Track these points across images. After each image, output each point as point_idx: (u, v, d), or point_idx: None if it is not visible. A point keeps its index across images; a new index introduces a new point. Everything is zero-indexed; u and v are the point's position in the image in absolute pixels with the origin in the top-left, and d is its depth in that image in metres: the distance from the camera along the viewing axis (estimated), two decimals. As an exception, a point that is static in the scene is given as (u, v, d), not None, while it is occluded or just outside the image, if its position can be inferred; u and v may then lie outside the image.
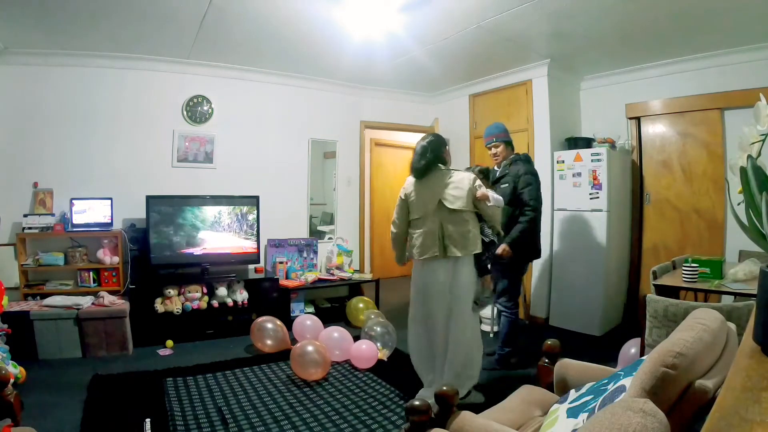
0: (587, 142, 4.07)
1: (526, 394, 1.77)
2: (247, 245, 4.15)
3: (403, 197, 2.64)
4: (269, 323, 3.42)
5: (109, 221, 3.75)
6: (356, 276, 4.62)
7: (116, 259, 3.73)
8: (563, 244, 4.03)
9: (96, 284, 3.69)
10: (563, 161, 3.99)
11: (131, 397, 2.58)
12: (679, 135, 3.89)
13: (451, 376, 2.48)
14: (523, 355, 3.14)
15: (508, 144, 3.17)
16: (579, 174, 3.88)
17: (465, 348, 2.51)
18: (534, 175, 3.04)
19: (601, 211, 3.75)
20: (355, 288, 4.63)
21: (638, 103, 4.08)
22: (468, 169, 2.82)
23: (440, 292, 2.50)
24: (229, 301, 3.83)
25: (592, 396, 1.25)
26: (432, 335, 2.58)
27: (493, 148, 3.17)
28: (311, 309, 4.32)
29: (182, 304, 3.65)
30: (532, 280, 4.19)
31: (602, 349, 3.41)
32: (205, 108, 4.26)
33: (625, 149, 4.17)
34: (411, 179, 2.63)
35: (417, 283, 2.63)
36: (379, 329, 3.33)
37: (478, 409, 1.67)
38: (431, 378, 2.60)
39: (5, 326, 2.84)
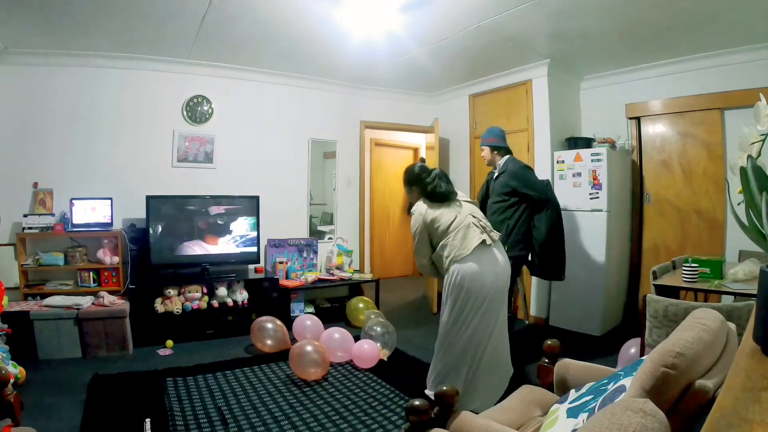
0: (587, 142, 4.07)
1: (526, 394, 1.77)
2: (247, 245, 4.15)
3: (423, 226, 2.48)
4: (269, 323, 3.42)
5: (109, 221, 3.75)
6: (356, 276, 4.62)
7: (116, 259, 3.73)
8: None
9: (96, 284, 3.69)
10: (563, 161, 3.99)
11: (131, 397, 2.58)
12: (679, 135, 3.89)
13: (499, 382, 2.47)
14: (523, 354, 3.14)
15: (494, 149, 3.28)
16: (579, 174, 3.88)
17: (507, 348, 2.56)
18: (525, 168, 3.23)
19: (601, 211, 3.75)
20: (355, 288, 4.63)
21: (638, 103, 4.08)
22: None
23: (500, 287, 2.45)
24: (229, 301, 3.83)
25: (592, 396, 1.25)
26: (484, 341, 2.41)
27: (482, 150, 3.38)
28: (311, 309, 4.32)
29: (182, 304, 3.65)
30: (533, 280, 4.19)
31: (602, 349, 3.41)
32: (205, 108, 4.26)
33: (625, 149, 4.17)
34: (425, 206, 2.51)
35: (468, 284, 2.36)
36: (379, 329, 3.33)
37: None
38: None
39: (5, 326, 2.84)
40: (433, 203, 2.53)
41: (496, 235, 2.52)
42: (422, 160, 6.45)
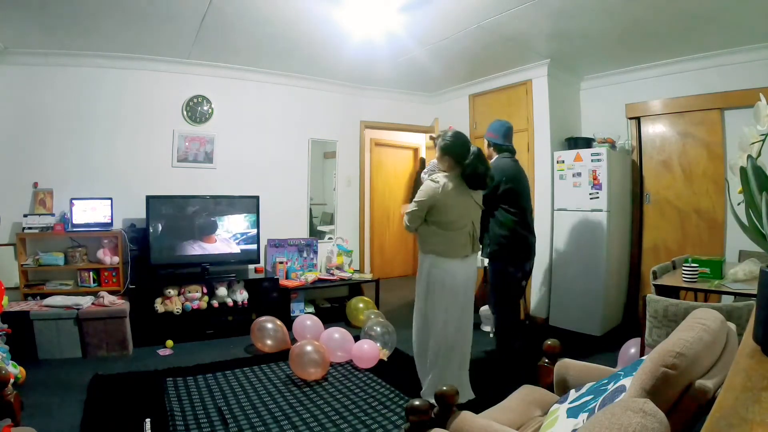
0: (587, 142, 4.07)
1: (526, 394, 1.77)
2: (247, 245, 4.15)
3: (432, 202, 2.38)
4: (269, 323, 3.42)
5: (109, 221, 3.75)
6: (356, 276, 4.62)
7: (116, 259, 3.72)
8: (563, 244, 4.03)
9: (96, 284, 3.69)
10: (563, 161, 3.99)
11: (131, 397, 2.58)
12: (679, 135, 3.89)
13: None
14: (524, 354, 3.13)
15: (489, 144, 3.06)
16: (579, 174, 3.87)
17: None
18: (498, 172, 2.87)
19: (601, 211, 3.75)
20: (355, 288, 4.63)
21: (638, 103, 4.08)
22: None
23: (471, 290, 2.57)
24: (229, 301, 3.83)
25: (592, 396, 1.25)
26: (464, 335, 2.58)
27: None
28: (311, 309, 4.32)
29: (182, 304, 3.65)
30: (532, 280, 4.19)
31: (602, 349, 3.41)
32: (205, 108, 4.26)
33: (625, 149, 4.17)
34: (449, 185, 2.39)
35: (450, 283, 2.45)
36: (379, 329, 3.33)
37: (478, 409, 1.67)
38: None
39: (5, 326, 2.84)
40: (457, 187, 2.41)
41: (478, 248, 2.62)
42: (422, 160, 6.47)
